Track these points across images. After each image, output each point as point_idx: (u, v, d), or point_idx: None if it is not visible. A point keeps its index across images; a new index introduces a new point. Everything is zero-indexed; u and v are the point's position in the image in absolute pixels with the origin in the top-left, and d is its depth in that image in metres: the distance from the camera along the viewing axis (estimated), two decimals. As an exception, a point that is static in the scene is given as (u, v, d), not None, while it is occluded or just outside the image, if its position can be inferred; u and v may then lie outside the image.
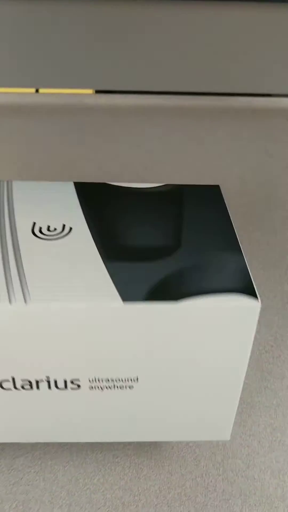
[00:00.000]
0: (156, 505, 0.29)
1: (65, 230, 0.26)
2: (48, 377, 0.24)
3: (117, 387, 0.25)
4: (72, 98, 0.49)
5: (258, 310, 0.23)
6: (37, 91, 0.50)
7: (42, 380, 0.24)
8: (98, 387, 0.25)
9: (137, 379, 0.25)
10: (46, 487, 0.29)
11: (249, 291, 0.23)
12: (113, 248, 0.25)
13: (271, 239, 0.40)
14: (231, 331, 0.23)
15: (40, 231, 0.26)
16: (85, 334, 0.23)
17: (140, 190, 0.29)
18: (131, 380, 0.25)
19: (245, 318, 0.23)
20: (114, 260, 0.24)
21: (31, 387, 0.25)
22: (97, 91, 0.50)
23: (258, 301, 0.22)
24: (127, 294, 0.22)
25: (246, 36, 0.46)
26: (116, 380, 0.25)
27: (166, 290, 0.23)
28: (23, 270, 0.23)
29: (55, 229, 0.26)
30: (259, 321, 0.36)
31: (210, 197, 0.29)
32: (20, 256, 0.24)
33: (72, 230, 0.26)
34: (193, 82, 0.49)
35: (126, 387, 0.25)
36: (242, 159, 0.46)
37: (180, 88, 0.49)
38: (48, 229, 0.26)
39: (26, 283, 0.23)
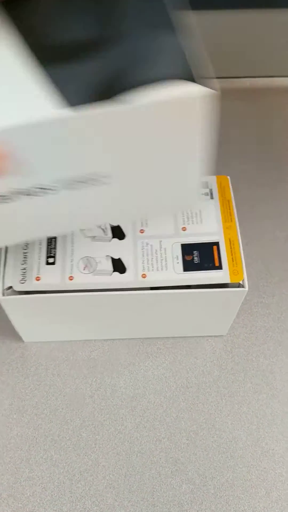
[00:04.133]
0: (187, 377, 0.43)
1: None
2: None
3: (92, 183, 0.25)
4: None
5: (201, 95, 0.22)
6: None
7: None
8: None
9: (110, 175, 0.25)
10: (114, 368, 0.44)
11: (189, 78, 0.22)
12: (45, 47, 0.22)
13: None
14: (181, 118, 0.23)
15: None
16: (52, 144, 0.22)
17: None
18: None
19: (190, 104, 0.22)
20: (50, 63, 0.22)
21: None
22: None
23: (200, 88, 0.22)
24: (73, 100, 0.21)
25: (244, 34, 0.57)
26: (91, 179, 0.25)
27: (111, 90, 0.21)
28: None
29: None
30: (254, 258, 0.50)
31: None
32: None
33: None
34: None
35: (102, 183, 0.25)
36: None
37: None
38: None
39: None
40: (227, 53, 0.59)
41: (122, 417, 0.41)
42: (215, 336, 0.45)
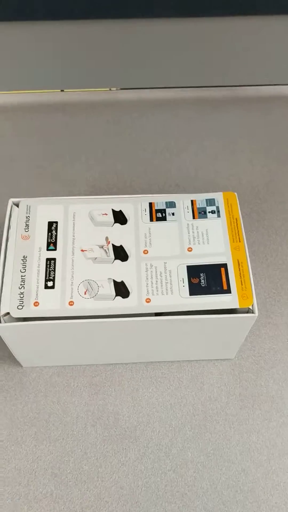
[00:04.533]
0: (193, 404, 0.41)
1: None
2: None
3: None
4: (97, 94, 0.59)
5: None
6: (62, 90, 0.61)
7: None
8: None
9: None
10: (116, 395, 0.42)
11: None
12: None
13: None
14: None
15: None
16: None
17: None
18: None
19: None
20: None
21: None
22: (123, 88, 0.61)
23: None
24: None
25: (249, 41, 0.55)
26: None
27: None
28: None
29: None
30: (262, 276, 0.48)
31: None
32: None
33: None
34: (208, 77, 0.58)
35: None
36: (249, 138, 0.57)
37: (196, 83, 0.59)
38: None
39: None
40: (233, 61, 0.57)
41: (125, 448, 0.39)
42: (222, 359, 0.43)
